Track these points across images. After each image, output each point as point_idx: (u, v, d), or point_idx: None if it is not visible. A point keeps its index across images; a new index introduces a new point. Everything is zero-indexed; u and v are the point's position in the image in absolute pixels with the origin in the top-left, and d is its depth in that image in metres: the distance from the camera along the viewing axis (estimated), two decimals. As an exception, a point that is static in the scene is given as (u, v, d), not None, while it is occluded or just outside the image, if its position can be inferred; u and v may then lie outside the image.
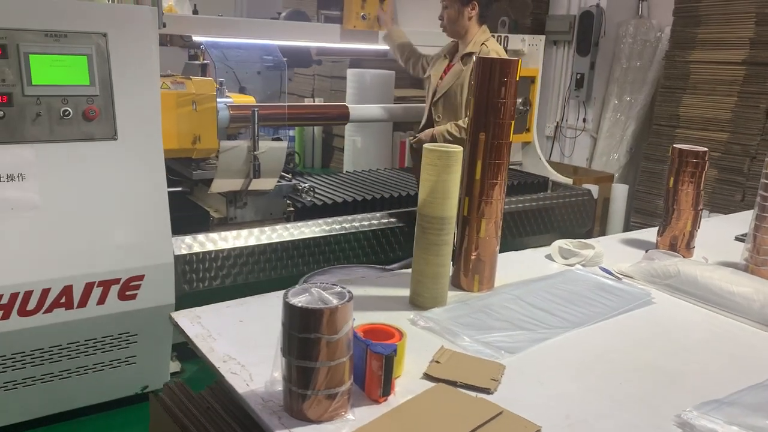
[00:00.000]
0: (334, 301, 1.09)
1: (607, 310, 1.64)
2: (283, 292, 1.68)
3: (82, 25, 2.35)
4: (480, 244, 1.67)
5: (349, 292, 1.11)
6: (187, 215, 3.07)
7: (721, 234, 2.42)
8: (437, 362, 1.29)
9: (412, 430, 1.07)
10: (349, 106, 3.54)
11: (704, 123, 4.64)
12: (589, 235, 4.23)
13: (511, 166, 4.60)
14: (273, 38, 3.23)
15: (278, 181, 3.09)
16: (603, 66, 5.74)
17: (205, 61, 3.25)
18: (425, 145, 1.51)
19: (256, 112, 2.90)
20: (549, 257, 2.03)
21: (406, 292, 1.65)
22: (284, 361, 1.10)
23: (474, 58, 2.95)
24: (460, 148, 1.50)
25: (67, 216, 2.34)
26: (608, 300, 1.70)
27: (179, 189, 3.15)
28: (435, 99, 3.15)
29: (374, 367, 1.15)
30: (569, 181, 4.26)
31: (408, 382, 1.23)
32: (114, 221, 2.43)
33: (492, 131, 1.61)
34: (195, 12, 4.96)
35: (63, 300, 2.36)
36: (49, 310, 2.35)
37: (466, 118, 2.91)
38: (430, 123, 3.20)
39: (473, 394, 1.19)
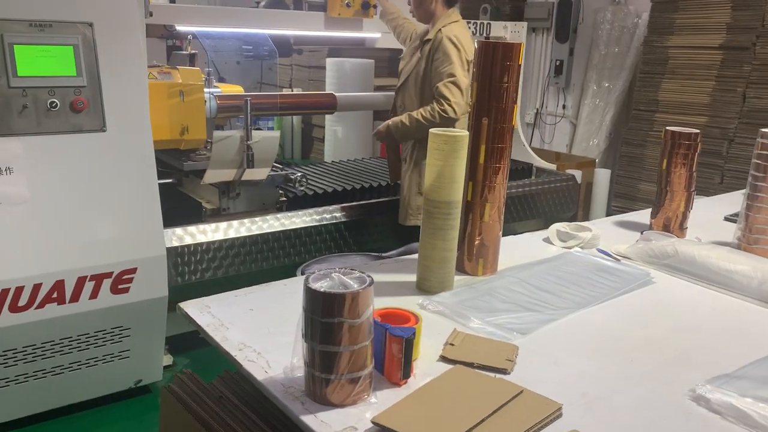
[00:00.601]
0: (356, 286, 1.09)
1: (610, 291, 1.66)
2: (291, 279, 1.68)
3: (68, 15, 2.30)
4: (483, 229, 1.68)
5: (369, 276, 1.11)
6: (180, 207, 3.05)
7: (709, 215, 2.46)
8: (452, 344, 1.30)
9: (437, 410, 1.07)
10: (336, 94, 3.52)
11: (683, 107, 4.72)
12: (573, 219, 4.27)
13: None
14: (260, 27, 3.20)
15: (271, 171, 3.07)
16: (581, 52, 5.79)
17: (193, 51, 3.21)
18: (431, 130, 1.51)
19: (248, 102, 2.88)
20: (547, 240, 2.05)
21: (411, 278, 1.66)
22: (306, 347, 1.10)
23: (429, 45, 2.95)
24: (466, 133, 1.51)
25: (57, 210, 2.30)
26: (610, 281, 1.73)
27: (169, 180, 3.12)
28: (397, 87, 3.14)
29: (394, 350, 1.15)
30: (553, 167, 4.30)
31: (426, 365, 1.24)
32: (105, 214, 2.39)
33: (495, 116, 1.62)
34: (173, 1, 4.90)
35: (55, 295, 2.32)
36: (41, 305, 2.31)
37: (426, 108, 2.89)
38: (396, 111, 3.18)
39: (491, 374, 1.20)
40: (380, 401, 1.11)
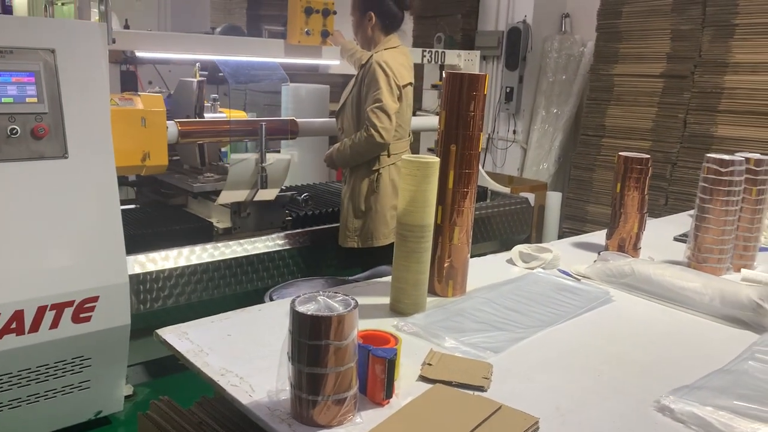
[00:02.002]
0: (341, 309, 1.12)
1: (573, 309, 1.74)
2: (265, 304, 1.70)
3: (30, 42, 2.29)
4: (453, 251, 1.74)
5: (354, 299, 1.15)
6: (190, 227, 3.11)
7: (660, 235, 2.58)
8: (429, 364, 1.34)
9: (422, 428, 1.11)
10: (297, 120, 3.56)
11: (628, 132, 4.93)
12: (527, 241, 4.40)
13: (450, 177, 4.74)
14: (221, 54, 3.22)
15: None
16: (530, 79, 5.99)
17: (201, 78, 3.44)
18: (404, 157, 1.57)
19: (263, 127, 3.07)
20: (510, 261, 2.12)
21: (384, 300, 1.70)
22: (293, 369, 1.13)
23: (363, 70, 3.04)
24: (437, 159, 1.57)
25: (16, 238, 2.26)
26: (572, 300, 1.81)
27: (132, 206, 3.11)
28: (337, 111, 3.22)
29: (377, 370, 1.19)
30: (507, 190, 4.43)
31: (406, 385, 1.27)
32: (66, 242, 2.36)
33: (462, 143, 1.69)
34: (126, 27, 4.87)
35: (14, 326, 2.27)
36: (-2, 336, 2.25)
37: (356, 134, 2.97)
38: (338, 135, 3.25)
39: (470, 392, 1.25)
40: (365, 421, 1.14)
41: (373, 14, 3.08)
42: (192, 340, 1.42)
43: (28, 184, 2.29)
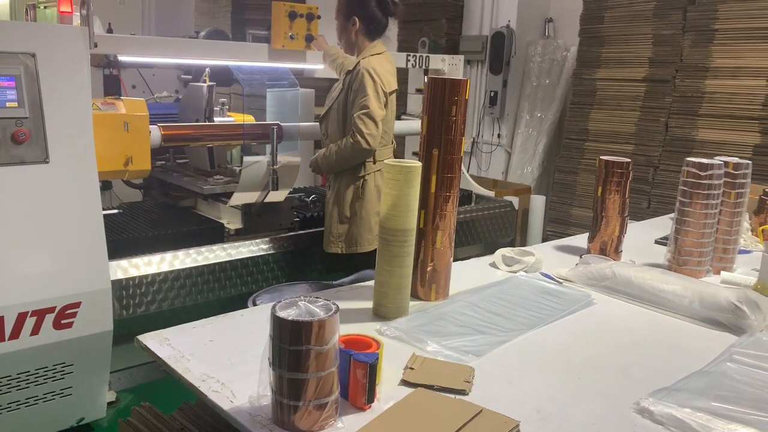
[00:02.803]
0: (322, 314, 1.12)
1: (555, 312, 1.75)
2: (248, 309, 1.70)
3: (9, 45, 2.26)
4: (435, 255, 1.75)
5: (335, 304, 1.15)
6: (200, 229, 3.14)
7: (641, 238, 2.61)
8: (411, 368, 1.35)
9: (403, 432, 1.11)
10: (282, 124, 3.56)
11: (611, 136, 4.97)
12: (512, 244, 4.42)
13: (435, 181, 4.75)
14: (204, 58, 3.21)
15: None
16: (514, 84, 6.03)
17: (211, 83, 3.47)
18: (386, 161, 1.57)
19: (275, 130, 3.14)
20: (493, 265, 2.13)
21: (366, 304, 1.70)
22: (274, 374, 1.12)
23: (350, 76, 3.05)
24: (419, 164, 1.58)
25: (-3, 243, 2.24)
26: (554, 303, 1.82)
27: (115, 211, 3.10)
28: (321, 115, 3.22)
29: (358, 375, 1.19)
30: (491, 193, 4.44)
31: (388, 389, 1.28)
32: (47, 247, 2.34)
33: (444, 147, 1.70)
34: (110, 31, 4.85)
35: (-6, 332, 2.24)
36: (-22, 343, 2.22)
37: (342, 140, 2.99)
38: (322, 140, 3.27)
39: (451, 396, 1.25)
40: (347, 426, 1.15)
41: (357, 19, 3.08)
42: (173, 346, 1.41)
43: (8, 190, 2.26)
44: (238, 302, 3.07)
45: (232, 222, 3.26)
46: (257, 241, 3.16)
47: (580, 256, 2.20)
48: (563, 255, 2.35)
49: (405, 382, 1.30)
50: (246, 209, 3.19)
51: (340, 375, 1.18)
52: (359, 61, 3.02)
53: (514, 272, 2.07)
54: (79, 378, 2.52)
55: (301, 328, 1.09)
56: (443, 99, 1.68)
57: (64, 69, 2.38)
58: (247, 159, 3.12)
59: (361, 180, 3.05)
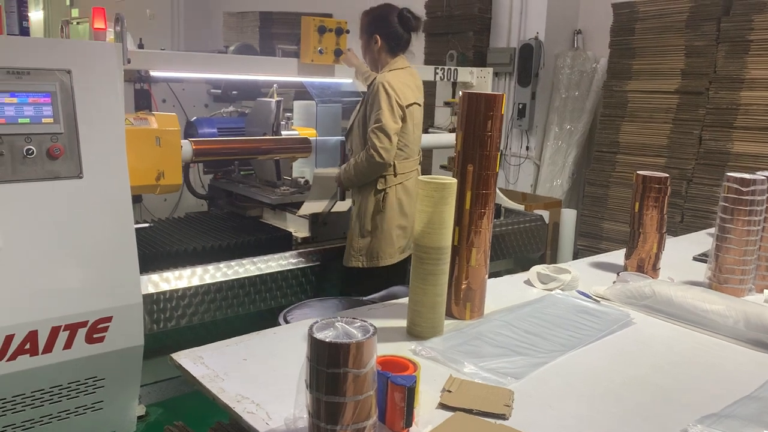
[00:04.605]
0: (360, 335, 1.10)
1: (594, 332, 1.70)
2: (280, 327, 1.68)
3: (46, 62, 2.30)
4: (470, 273, 1.71)
5: (372, 326, 1.12)
6: (268, 237, 3.25)
7: (678, 255, 2.54)
8: (449, 391, 1.31)
9: (443, 459, 1.08)
10: (311, 138, 3.58)
11: (643, 149, 4.89)
12: (542, 259, 4.35)
13: (464, 194, 4.71)
14: (237, 73, 3.24)
15: None
16: (543, 96, 5.97)
17: (279, 98, 3.67)
18: (420, 178, 1.55)
19: (343, 143, 3.30)
20: (528, 282, 2.09)
21: (400, 323, 1.68)
22: (311, 397, 1.10)
23: (368, 92, 3.05)
24: (454, 180, 1.55)
25: (31, 258, 2.25)
26: (592, 322, 1.77)
27: (145, 225, 3.13)
28: (346, 131, 3.26)
29: (396, 398, 1.16)
30: (521, 207, 4.39)
31: (426, 413, 1.25)
32: (80, 262, 2.35)
33: (479, 163, 1.67)
34: (141, 46, 4.91)
35: (28, 346, 2.26)
36: (12, 357, 2.24)
37: (359, 154, 2.99)
38: (347, 155, 3.31)
39: (491, 420, 1.22)
40: (385, 451, 1.12)
41: (378, 37, 3.10)
42: (207, 364, 1.40)
43: (43, 204, 2.28)
44: (268, 316, 3.07)
45: (299, 231, 3.38)
46: (285, 254, 3.16)
47: (618, 274, 2.14)
48: (599, 272, 2.30)
49: (443, 406, 1.27)
50: (313, 218, 3.32)
51: (377, 398, 1.15)
52: (376, 77, 3.04)
53: (550, 290, 2.02)
54: (110, 392, 2.53)
55: (339, 351, 1.07)
56: (478, 114, 1.65)
57: (98, 85, 2.40)
58: (317, 171, 3.28)
59: (382, 193, 3.04)
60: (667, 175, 2.21)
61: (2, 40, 2.29)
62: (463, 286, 1.72)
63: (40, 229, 2.28)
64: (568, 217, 4.56)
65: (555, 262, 4.54)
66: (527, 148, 6.12)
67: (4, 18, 2.65)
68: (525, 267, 2.18)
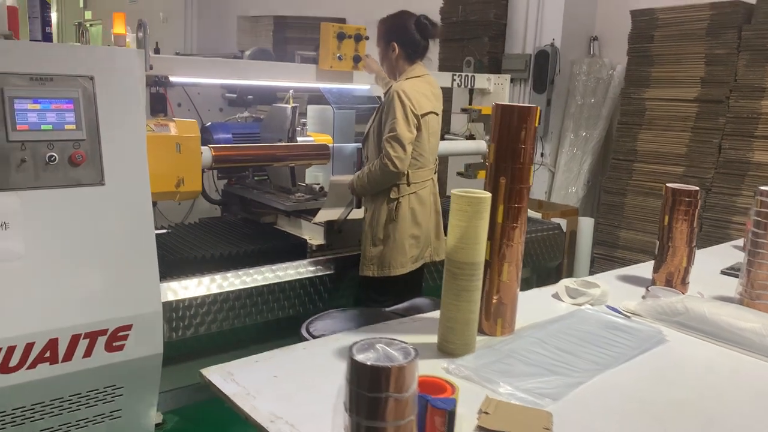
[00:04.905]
0: (401, 358, 1.07)
1: (628, 350, 1.67)
2: (309, 342, 1.65)
3: (69, 68, 2.28)
4: (502, 288, 1.68)
5: (414, 348, 1.09)
6: (282, 244, 3.22)
7: (704, 268, 2.49)
8: (486, 413, 1.28)
9: (487, 487, 1.05)
10: (329, 144, 3.55)
11: (660, 157, 4.84)
12: (559, 269, 4.31)
13: (480, 202, 4.68)
14: (254, 78, 3.22)
15: None
16: (559, 102, 5.93)
17: (295, 104, 3.63)
18: (454, 191, 1.52)
19: (360, 150, 3.26)
20: (556, 296, 2.06)
21: (429, 338, 1.64)
22: (350, 420, 1.07)
23: (384, 100, 3.03)
24: (488, 195, 1.52)
25: (52, 265, 2.24)
26: (625, 339, 1.74)
27: (163, 231, 3.10)
28: (362, 139, 3.24)
29: (437, 423, 1.13)
30: (538, 215, 4.35)
31: (464, 436, 1.21)
32: (101, 270, 2.33)
33: (512, 175, 1.64)
34: (157, 50, 4.90)
35: (48, 354, 2.24)
36: (32, 365, 2.22)
37: (372, 162, 2.97)
38: (362, 162, 3.30)
39: (532, 444, 1.19)
40: (425, 476, 1.09)
41: (396, 44, 3.09)
42: (238, 381, 1.37)
43: (64, 212, 2.27)
44: (285, 325, 3.05)
45: (314, 238, 3.34)
46: (303, 262, 3.14)
47: (647, 288, 2.11)
48: (626, 286, 2.26)
49: (482, 429, 1.24)
50: (329, 226, 3.28)
51: (416, 421, 1.12)
52: (391, 85, 3.01)
53: (579, 305, 1.99)
54: (128, 400, 2.51)
55: (380, 375, 1.04)
56: (511, 126, 1.62)
57: (120, 91, 2.39)
58: (333, 178, 3.24)
59: (395, 202, 3.01)
60: (698, 188, 2.17)
61: (26, 46, 2.28)
62: (494, 301, 1.69)
63: (62, 236, 2.26)
64: (586, 225, 4.52)
65: (572, 272, 4.51)
66: (542, 154, 6.07)
67: (27, 24, 2.65)
68: (542, 276, 2.16)
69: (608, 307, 1.99)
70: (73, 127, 2.29)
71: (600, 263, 5.08)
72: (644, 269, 2.38)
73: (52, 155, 2.23)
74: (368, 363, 1.05)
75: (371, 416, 1.05)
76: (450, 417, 1.12)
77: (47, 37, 2.49)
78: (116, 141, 2.37)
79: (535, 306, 1.96)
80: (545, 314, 1.89)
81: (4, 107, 2.15)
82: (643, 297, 2.08)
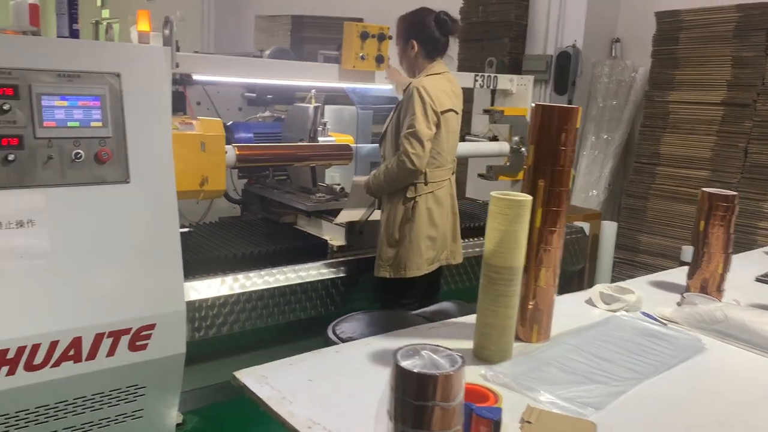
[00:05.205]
0: (448, 366, 1.03)
1: (667, 359, 1.62)
2: (341, 345, 1.62)
3: (96, 65, 2.27)
4: (538, 293, 1.64)
5: (461, 356, 1.06)
6: (302, 245, 3.19)
7: (737, 274, 2.42)
8: (529, 422, 1.24)
9: (536, 501, 1.01)
10: (351, 144, 3.52)
11: (685, 161, 4.77)
12: (582, 273, 4.26)
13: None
14: (276, 78, 3.20)
15: None
16: (580, 104, 5.80)
17: (317, 104, 3.61)
18: (493, 194, 1.48)
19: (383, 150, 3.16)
20: (590, 302, 2.01)
21: (463, 344, 1.61)
22: (395, 429, 1.04)
23: (403, 97, 2.98)
24: (529, 198, 1.48)
25: (77, 263, 2.22)
26: (663, 347, 1.69)
27: (186, 230, 3.09)
28: (380, 138, 3.19)
29: (482, 432, 1.10)
30: (560, 218, 4.29)
31: (508, 446, 1.18)
32: (125, 268, 2.32)
33: (551, 178, 1.60)
34: (177, 49, 4.89)
35: (72, 353, 2.22)
36: (56, 364, 2.20)
37: (390, 160, 2.93)
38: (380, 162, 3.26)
39: (578, 456, 1.15)
40: (471, 488, 1.05)
41: (415, 42, 3.05)
42: (273, 385, 1.34)
43: (89, 210, 2.25)
44: (306, 326, 3.02)
45: (334, 239, 3.31)
46: (325, 263, 3.11)
47: (682, 295, 2.06)
48: (660, 292, 2.21)
49: (525, 439, 1.20)
50: (350, 226, 3.26)
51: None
52: (411, 82, 2.97)
53: (614, 311, 1.94)
54: (150, 400, 2.49)
55: (428, 382, 1.00)
56: (551, 127, 1.59)
57: (147, 89, 2.37)
58: (356, 178, 3.19)
59: (412, 202, 2.96)
60: (735, 193, 2.13)
61: (54, 43, 2.27)
62: (530, 307, 1.65)
63: (86, 234, 2.24)
64: (609, 229, 4.47)
65: (594, 276, 4.45)
66: (562, 157, 6.00)
67: (53, 20, 2.64)
68: (564, 280, 2.11)
69: (643, 313, 1.94)
70: (100, 124, 2.27)
71: (621, 267, 5.02)
72: (675, 275, 2.34)
73: (79, 152, 2.21)
74: (415, 370, 1.01)
75: (417, 425, 1.01)
76: (496, 427, 1.08)
77: (74, 34, 2.48)
78: (142, 139, 2.35)
79: (569, 312, 1.91)
80: (580, 320, 1.85)
81: (32, 104, 2.14)
82: (678, 304, 2.03)
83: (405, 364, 1.03)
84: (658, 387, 1.48)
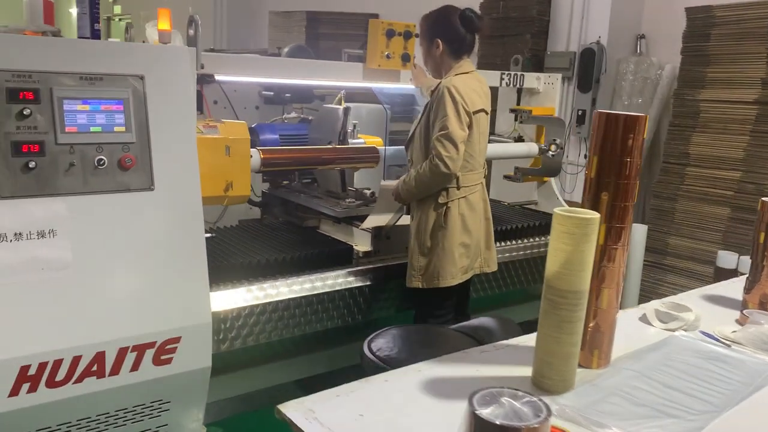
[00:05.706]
0: (531, 416, 0.92)
1: (740, 387, 1.50)
2: (389, 373, 1.50)
3: (119, 67, 2.17)
4: (599, 315, 1.53)
5: (545, 404, 0.95)
6: (328, 250, 3.08)
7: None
8: (606, 466, 1.13)
9: None
10: (378, 147, 3.41)
11: (716, 161, 4.63)
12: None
13: (526, 206, 4.51)
14: (299, 77, 3.10)
15: None
16: (604, 102, 5.72)
17: (347, 105, 3.54)
18: (557, 210, 1.37)
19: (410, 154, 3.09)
20: (644, 320, 1.89)
21: (519, 372, 1.49)
22: (472, 485, 0.93)
23: (432, 97, 2.86)
24: (597, 215, 1.36)
25: (100, 275, 2.12)
26: (732, 373, 1.57)
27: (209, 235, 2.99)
28: (406, 141, 3.08)
29: (564, 483, 0.98)
30: (588, 221, 4.17)
31: (588, 495, 1.06)
32: (150, 280, 2.22)
33: (615, 192, 1.48)
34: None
35: (95, 368, 2.13)
36: (79, 379, 2.11)
37: (422, 164, 2.81)
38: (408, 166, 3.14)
39: None
40: None
41: (440, 41, 2.95)
42: (321, 421, 1.23)
43: (112, 219, 2.15)
44: (332, 335, 2.92)
45: (360, 244, 3.22)
46: (351, 270, 3.00)
47: (741, 312, 1.93)
48: (715, 308, 2.08)
49: (606, 487, 1.09)
50: (376, 232, 3.16)
51: (540, 482, 0.97)
52: (440, 81, 2.85)
53: (671, 330, 1.82)
54: (174, 415, 2.39)
55: (511, 435, 0.89)
56: (616, 137, 1.47)
57: (171, 91, 2.27)
58: (383, 183, 3.10)
59: (444, 208, 2.85)
60: (799, 203, 1.99)
61: (75, 45, 2.16)
62: (590, 329, 1.53)
63: (109, 244, 2.14)
64: (639, 232, 4.34)
65: (624, 281, 4.32)
66: (585, 156, 5.87)
67: (68, 18, 2.53)
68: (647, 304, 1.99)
69: (702, 332, 1.82)
70: (123, 129, 2.17)
71: (648, 270, 4.88)
72: (730, 289, 2.21)
73: (101, 159, 2.12)
74: (497, 421, 0.90)
75: (498, 481, 0.90)
76: (581, 479, 0.97)
77: (96, 34, 2.37)
78: (166, 144, 2.25)
79: (623, 331, 1.79)
80: (636, 341, 1.73)
81: (53, 108, 2.04)
82: (737, 321, 1.91)
83: (484, 413, 0.92)
84: (738, 422, 1.36)
